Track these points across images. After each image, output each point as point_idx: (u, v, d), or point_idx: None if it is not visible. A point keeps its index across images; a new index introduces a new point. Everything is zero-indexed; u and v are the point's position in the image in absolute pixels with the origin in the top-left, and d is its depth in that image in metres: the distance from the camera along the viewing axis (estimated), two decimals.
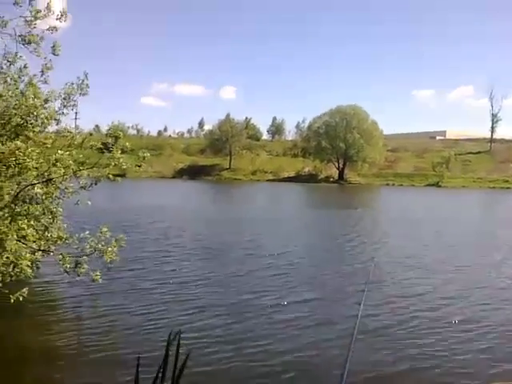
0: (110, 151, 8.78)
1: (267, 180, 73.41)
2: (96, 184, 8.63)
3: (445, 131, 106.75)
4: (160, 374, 3.51)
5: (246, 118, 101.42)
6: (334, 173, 76.08)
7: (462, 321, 9.26)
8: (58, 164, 8.09)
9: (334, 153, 76.06)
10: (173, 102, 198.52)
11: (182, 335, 3.41)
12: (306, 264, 14.31)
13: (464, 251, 17.42)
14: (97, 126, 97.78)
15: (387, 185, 69.88)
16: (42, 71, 8.85)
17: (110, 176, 8.57)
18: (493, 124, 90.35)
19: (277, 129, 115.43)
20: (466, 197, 51.61)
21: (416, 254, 16.09)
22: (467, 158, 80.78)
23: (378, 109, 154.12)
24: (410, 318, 9.33)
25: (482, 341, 8.26)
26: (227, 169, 79.72)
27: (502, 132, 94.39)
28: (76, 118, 12.70)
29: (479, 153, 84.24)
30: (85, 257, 8.80)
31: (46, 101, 8.71)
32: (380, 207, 38.76)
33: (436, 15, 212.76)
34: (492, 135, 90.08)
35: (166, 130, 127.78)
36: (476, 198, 51.50)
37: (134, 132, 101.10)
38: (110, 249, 8.68)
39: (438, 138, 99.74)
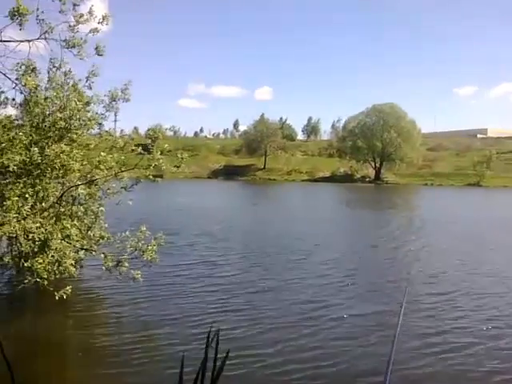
0: (149, 152, 8.99)
1: (302, 180, 73.05)
2: (137, 184, 8.84)
3: (486, 129, 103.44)
4: (200, 374, 3.56)
5: (281, 118, 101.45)
6: (371, 172, 74.91)
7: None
8: (100, 166, 8.33)
9: (371, 152, 74.91)
10: (209, 103, 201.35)
11: (223, 336, 3.43)
12: (346, 269, 14.15)
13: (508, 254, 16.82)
14: (135, 127, 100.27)
15: (426, 185, 68.27)
16: (88, 77, 9.13)
17: (151, 177, 8.76)
18: None
19: (312, 129, 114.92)
20: (508, 197, 49.82)
21: (459, 258, 15.68)
22: (510, 156, 77.86)
23: (417, 107, 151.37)
24: (451, 325, 9.11)
25: None
26: (262, 169, 79.82)
27: None
28: (116, 121, 13.05)
29: None
30: (126, 256, 9.02)
31: (88, 103, 8.99)
32: (421, 208, 37.88)
33: (479, 12, 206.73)
34: None
35: (201, 130, 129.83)
36: None
37: (171, 133, 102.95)
38: (149, 247, 8.85)
39: (478, 136, 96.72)
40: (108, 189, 9.03)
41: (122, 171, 8.70)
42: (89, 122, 8.79)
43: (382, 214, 29.41)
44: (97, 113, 9.11)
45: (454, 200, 45.45)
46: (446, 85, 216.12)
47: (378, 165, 74.93)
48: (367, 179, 72.68)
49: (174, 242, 16.12)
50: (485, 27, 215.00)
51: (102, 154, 8.42)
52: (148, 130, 9.18)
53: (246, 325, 8.60)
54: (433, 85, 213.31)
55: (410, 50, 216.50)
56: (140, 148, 9.10)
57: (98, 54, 9.41)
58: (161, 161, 8.53)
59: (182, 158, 9.00)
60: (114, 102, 9.05)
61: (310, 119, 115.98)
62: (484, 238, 20.01)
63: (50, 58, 9.19)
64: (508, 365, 7.24)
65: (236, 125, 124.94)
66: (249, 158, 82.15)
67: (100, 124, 9.20)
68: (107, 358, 7.21)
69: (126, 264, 9.08)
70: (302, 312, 9.47)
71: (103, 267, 9.41)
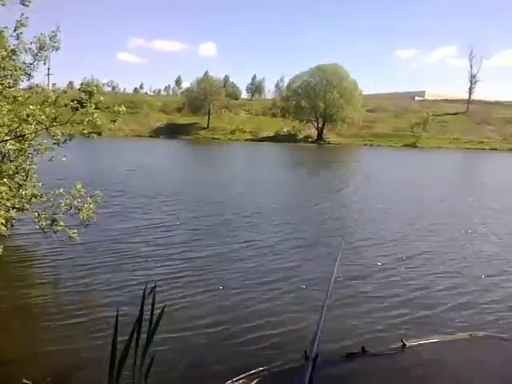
0: (84, 107, 8.57)
1: (246, 140, 72.86)
2: (70, 140, 8.44)
3: (424, 92, 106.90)
4: (136, 328, 3.58)
5: (226, 75, 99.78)
6: (313, 133, 75.91)
7: (435, 273, 9.63)
8: (29, 119, 7.85)
9: (313, 112, 75.67)
10: (150, 59, 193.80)
11: (158, 290, 3.43)
12: (283, 223, 14.48)
13: (435, 207, 17.83)
14: (71, 82, 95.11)
15: (365, 145, 70.23)
16: (16, 28, 8.43)
17: (85, 132, 8.39)
18: (471, 85, 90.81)
19: (256, 88, 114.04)
20: (439, 156, 52.43)
21: (391, 211, 16.44)
22: (444, 119, 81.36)
23: (358, 68, 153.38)
24: (382, 274, 9.64)
25: (447, 296, 8.60)
26: (205, 128, 78.67)
27: (480, 93, 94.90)
28: (49, 74, 12.27)
29: (456, 114, 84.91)
30: (61, 214, 8.72)
31: (14, 51, 8.35)
32: (362, 168, 39.03)
33: None
34: (470, 96, 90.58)
35: (142, 87, 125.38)
36: (449, 157, 52.34)
37: (109, 89, 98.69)
38: (85, 205, 8.60)
39: (416, 98, 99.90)
40: (39, 144, 8.58)
41: (54, 125, 8.26)
42: (15, 72, 8.18)
43: (325, 175, 30.08)
44: (24, 62, 8.49)
45: (392, 160, 47.21)
46: (388, 47, 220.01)
47: (320, 125, 75.96)
48: (310, 139, 73.66)
49: (118, 203, 15.75)
50: None
51: (31, 107, 7.91)
52: (82, 83, 8.61)
53: (187, 285, 8.67)
54: (374, 47, 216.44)
55: (352, 12, 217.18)
56: (74, 102, 8.65)
57: (23, 4, 8.66)
58: (95, 115, 8.15)
59: (119, 112, 8.63)
60: (43, 49, 8.42)
61: (254, 78, 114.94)
62: (420, 195, 21.06)
63: None
64: (436, 307, 7.81)
65: (178, 82, 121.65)
66: (192, 116, 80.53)
67: (29, 75, 8.59)
68: (40, 319, 7.06)
69: (62, 223, 8.80)
70: (248, 272, 9.62)
71: (37, 226, 9.09)
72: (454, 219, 15.84)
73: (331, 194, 21.32)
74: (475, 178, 32.24)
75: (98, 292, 8.17)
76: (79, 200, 8.72)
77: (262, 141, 70.89)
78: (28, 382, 5.13)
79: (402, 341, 6.51)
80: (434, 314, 7.68)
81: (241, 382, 5.27)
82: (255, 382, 5.28)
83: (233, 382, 5.26)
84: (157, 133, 75.24)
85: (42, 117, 7.98)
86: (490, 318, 7.57)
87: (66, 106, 8.76)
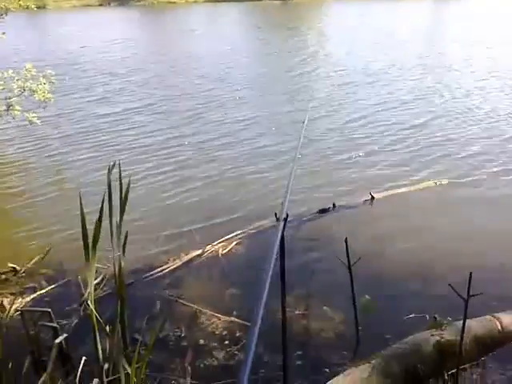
0: None
1: (204, 1, 67.57)
2: (6, 14, 7.63)
3: None
4: (107, 201, 3.55)
5: None
6: None
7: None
8: None
9: None
10: None
11: (130, 167, 3.36)
12: (255, 94, 14.04)
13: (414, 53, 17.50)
14: None
15: None
16: None
17: (21, 3, 7.56)
18: None
19: None
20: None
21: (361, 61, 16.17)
22: None
23: None
24: (348, 130, 9.79)
25: (414, 149, 8.85)
26: None
27: None
28: None
29: None
30: (15, 98, 8.24)
31: None
32: (327, 26, 37.17)
33: None
34: None
35: None
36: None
37: None
38: (40, 86, 8.09)
39: None
40: None
41: None
42: None
43: (295, 38, 28.48)
44: None
45: (366, 13, 44.85)
46: None
47: None
48: None
49: (81, 85, 14.86)
50: None
51: None
52: None
53: (160, 159, 8.62)
54: None
55: None
56: None
57: None
58: None
59: None
60: None
61: None
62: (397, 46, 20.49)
63: None
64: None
65: None
66: None
67: None
68: (12, 207, 7.03)
69: (18, 107, 8.35)
70: (222, 143, 9.52)
71: None
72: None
73: (302, 58, 20.42)
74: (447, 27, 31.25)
75: (69, 174, 8.13)
76: (32, 81, 8.18)
77: (221, 1, 65.93)
78: (13, 265, 5.27)
79: (370, 193, 6.80)
80: (400, 166, 7.98)
81: (220, 245, 5.53)
82: (233, 244, 5.55)
83: (212, 246, 5.52)
84: (106, 0, 68.78)
85: None
86: (455, 166, 7.92)
87: None
